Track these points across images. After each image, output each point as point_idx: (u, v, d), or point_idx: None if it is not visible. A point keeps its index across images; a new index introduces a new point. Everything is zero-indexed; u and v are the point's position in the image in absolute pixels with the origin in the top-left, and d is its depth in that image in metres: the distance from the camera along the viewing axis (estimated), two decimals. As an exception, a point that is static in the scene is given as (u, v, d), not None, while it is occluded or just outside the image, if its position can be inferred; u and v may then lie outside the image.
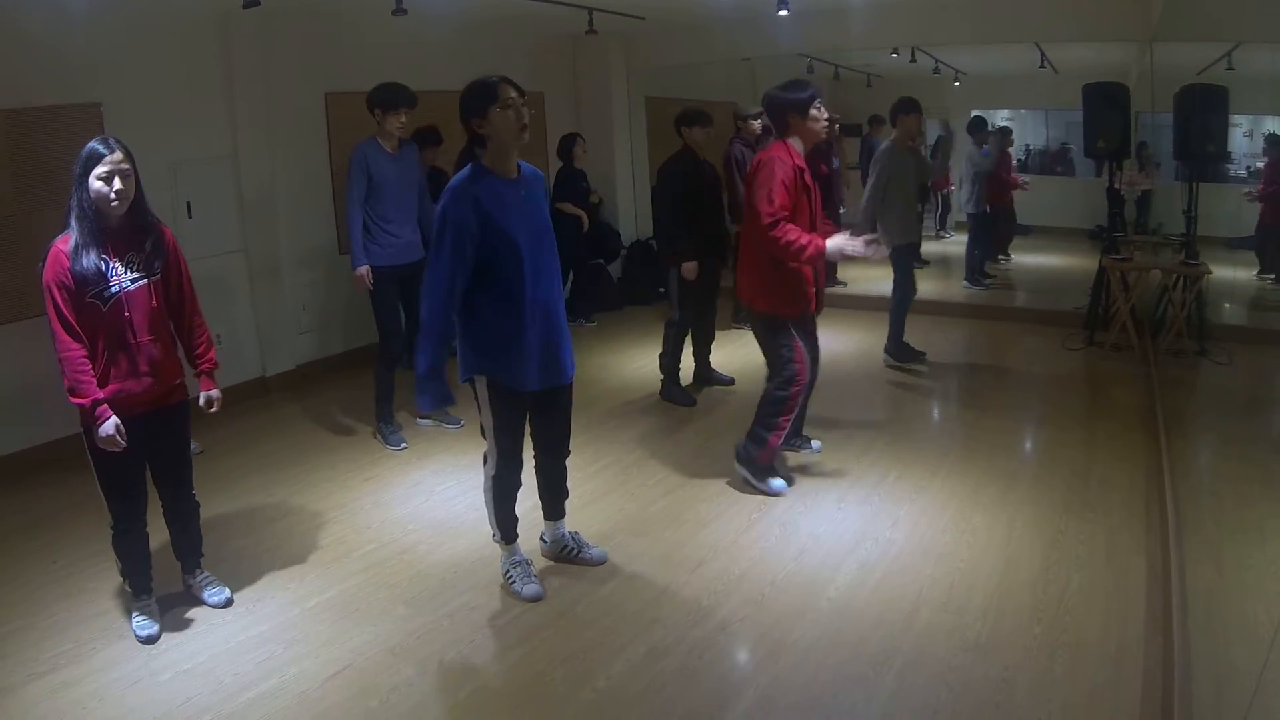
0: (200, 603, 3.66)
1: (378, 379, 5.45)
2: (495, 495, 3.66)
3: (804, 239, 4.21)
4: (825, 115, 4.43)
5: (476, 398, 3.52)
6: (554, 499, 3.91)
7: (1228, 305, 8.34)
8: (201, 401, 3.48)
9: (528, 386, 3.44)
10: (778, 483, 4.61)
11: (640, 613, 3.53)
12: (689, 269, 5.84)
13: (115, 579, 3.80)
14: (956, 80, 13.33)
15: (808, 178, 4.37)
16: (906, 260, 6.68)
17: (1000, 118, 14.00)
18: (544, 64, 9.20)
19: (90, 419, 3.13)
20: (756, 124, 7.61)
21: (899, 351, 6.85)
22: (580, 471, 4.80)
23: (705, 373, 6.48)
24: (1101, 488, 4.55)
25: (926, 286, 9.13)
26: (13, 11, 5.01)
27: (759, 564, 3.88)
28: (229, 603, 3.66)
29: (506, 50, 8.31)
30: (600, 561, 3.93)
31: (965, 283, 9.65)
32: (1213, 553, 3.93)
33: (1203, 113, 6.62)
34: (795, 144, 4.40)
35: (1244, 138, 9.54)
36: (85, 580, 3.87)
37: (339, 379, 6.85)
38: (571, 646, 3.32)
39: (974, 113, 11.11)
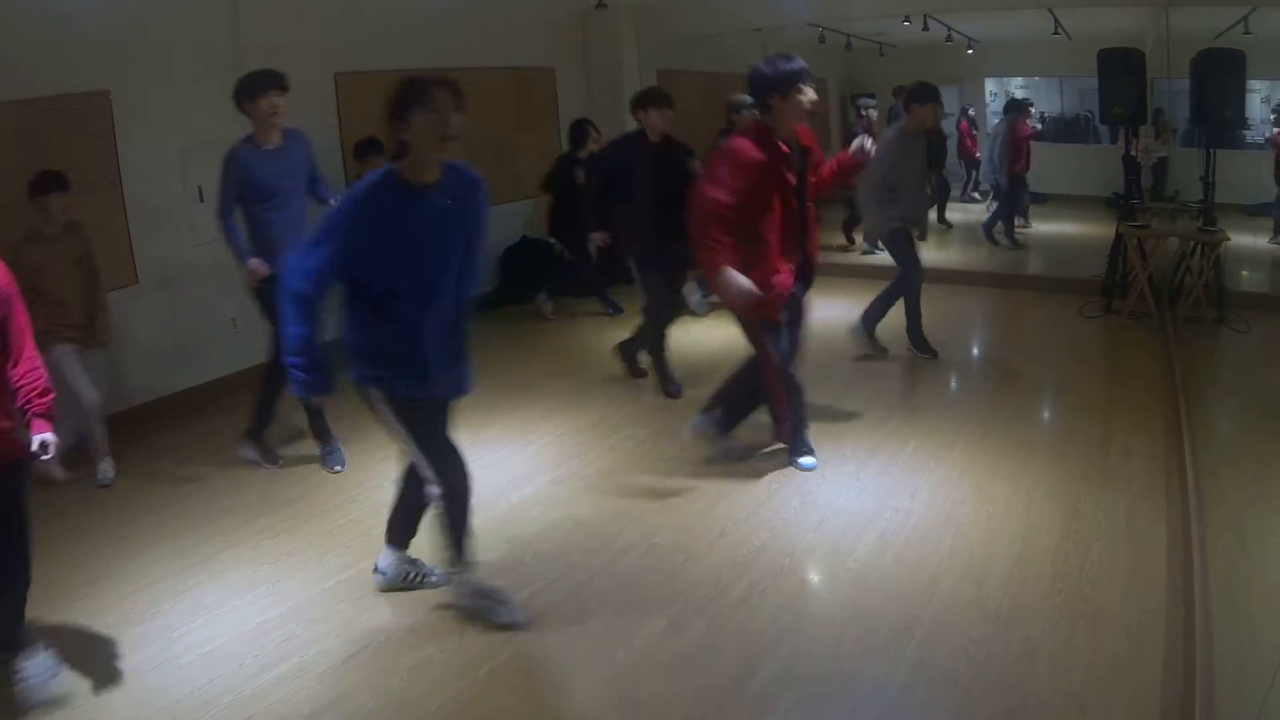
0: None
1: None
2: (448, 513, 3.31)
3: (720, 252, 3.88)
4: (811, 96, 3.99)
5: (376, 413, 3.18)
6: (410, 526, 3.54)
7: (1246, 272, 8.28)
8: (35, 446, 2.89)
9: (429, 392, 3.14)
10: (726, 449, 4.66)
11: (660, 586, 3.54)
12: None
13: (132, 564, 3.88)
14: (969, 48, 13.19)
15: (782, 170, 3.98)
16: (904, 245, 6.17)
17: (1015, 85, 13.90)
18: (554, 39, 9.13)
19: None
20: (750, 116, 7.52)
21: (919, 340, 6.38)
22: (598, 445, 4.88)
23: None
24: (1121, 457, 4.52)
25: (948, 255, 9.26)
26: (15, 2, 5.00)
27: (779, 535, 3.88)
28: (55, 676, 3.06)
29: (516, 26, 8.27)
30: (443, 584, 3.53)
31: (1006, 242, 10.01)
32: (1234, 521, 3.90)
33: (1219, 78, 6.55)
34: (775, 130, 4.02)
35: (1261, 103, 9.45)
36: (106, 565, 3.89)
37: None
38: (591, 621, 3.34)
39: (1010, 93, 11.32)
